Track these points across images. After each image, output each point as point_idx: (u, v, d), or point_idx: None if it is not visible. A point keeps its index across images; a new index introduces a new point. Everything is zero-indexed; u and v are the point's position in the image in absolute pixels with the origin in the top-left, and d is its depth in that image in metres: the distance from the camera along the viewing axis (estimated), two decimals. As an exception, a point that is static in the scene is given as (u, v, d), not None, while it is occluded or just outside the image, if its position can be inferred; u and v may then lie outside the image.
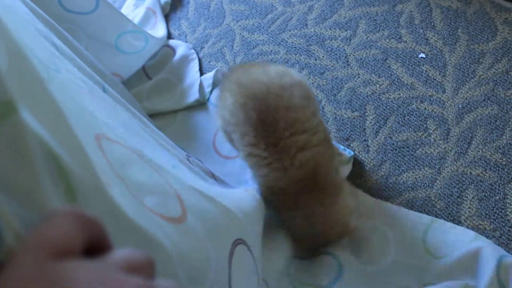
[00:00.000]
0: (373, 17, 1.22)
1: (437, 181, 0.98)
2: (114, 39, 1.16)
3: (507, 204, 0.92)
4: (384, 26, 1.20)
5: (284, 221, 0.91)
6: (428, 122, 1.04)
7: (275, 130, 0.81)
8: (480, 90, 1.05)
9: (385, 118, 1.07)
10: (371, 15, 1.23)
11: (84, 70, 0.76)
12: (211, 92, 1.22)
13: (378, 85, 1.12)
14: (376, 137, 1.05)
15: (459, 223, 0.93)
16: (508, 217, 0.91)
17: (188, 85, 1.23)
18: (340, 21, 1.25)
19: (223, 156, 1.12)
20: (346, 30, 1.23)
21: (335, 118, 1.10)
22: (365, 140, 1.06)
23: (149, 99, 1.22)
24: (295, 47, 1.24)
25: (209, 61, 1.30)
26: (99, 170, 0.42)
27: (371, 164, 1.03)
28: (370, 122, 1.07)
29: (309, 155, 0.83)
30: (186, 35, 1.38)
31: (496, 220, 0.92)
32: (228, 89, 0.88)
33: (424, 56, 1.13)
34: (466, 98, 1.05)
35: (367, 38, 1.20)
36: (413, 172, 1.00)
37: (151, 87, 1.24)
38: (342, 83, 1.15)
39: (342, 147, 1.05)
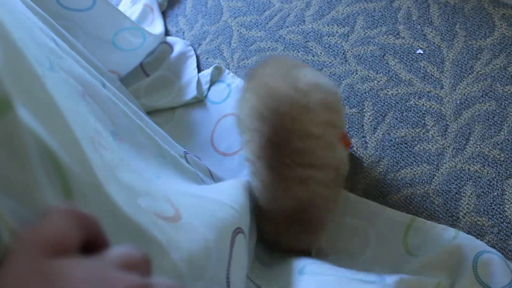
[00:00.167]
0: (371, 13, 1.22)
1: (435, 178, 0.98)
2: (112, 36, 1.16)
3: (505, 200, 0.93)
4: (382, 22, 1.20)
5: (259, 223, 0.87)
6: (426, 118, 1.04)
7: (280, 152, 0.75)
8: (478, 86, 1.05)
9: (383, 114, 1.07)
10: (368, 11, 1.23)
11: (85, 67, 0.76)
12: (208, 89, 1.22)
13: (376, 82, 1.12)
14: (374, 133, 1.05)
15: (457, 219, 0.93)
16: (506, 213, 0.91)
17: (186, 82, 1.23)
18: (337, 18, 1.25)
19: (221, 152, 1.12)
20: (343, 27, 1.23)
21: (333, 114, 1.10)
22: (363, 137, 1.06)
23: (147, 96, 1.22)
24: (293, 44, 1.24)
25: (207, 58, 1.30)
26: (96, 168, 0.41)
27: (369, 160, 1.03)
28: (368, 119, 1.07)
29: (307, 192, 0.77)
30: (183, 32, 1.38)
31: (494, 216, 0.92)
32: (253, 89, 0.82)
33: (422, 52, 1.13)
34: (464, 94, 1.05)
35: (364, 34, 1.20)
36: (411, 169, 1.00)
37: (148, 84, 1.24)
38: (340, 79, 1.15)
39: None
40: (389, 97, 1.09)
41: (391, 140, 1.03)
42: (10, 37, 0.38)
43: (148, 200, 0.51)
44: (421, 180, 0.98)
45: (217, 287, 0.56)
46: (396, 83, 1.10)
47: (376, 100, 1.09)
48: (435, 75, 1.09)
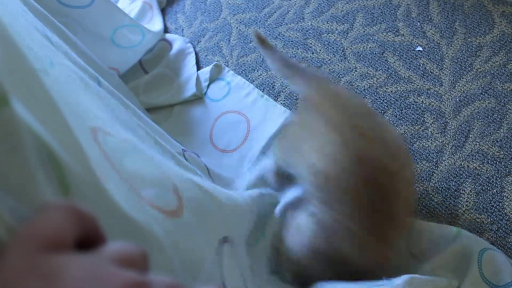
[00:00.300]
0: (370, 10, 1.22)
1: (435, 175, 0.98)
2: (111, 33, 1.16)
3: (505, 198, 0.92)
4: (381, 19, 1.20)
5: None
6: (425, 116, 1.04)
7: (388, 204, 0.69)
8: (478, 83, 1.05)
9: (382, 111, 1.07)
10: (368, 9, 1.22)
11: (79, 64, 0.76)
12: (208, 86, 1.22)
13: (375, 79, 1.12)
14: (374, 130, 1.05)
15: (456, 216, 0.93)
16: (505, 211, 0.91)
17: (185, 80, 1.23)
18: (337, 15, 1.24)
19: (220, 149, 1.12)
20: (343, 24, 1.22)
21: (332, 112, 1.10)
22: (362, 134, 1.05)
23: (146, 93, 1.22)
24: (292, 41, 1.24)
25: (206, 55, 1.29)
26: (94, 163, 0.41)
27: (368, 157, 1.03)
28: (367, 116, 1.07)
29: (387, 254, 0.74)
30: (182, 29, 1.37)
31: (494, 214, 0.92)
32: (332, 119, 0.73)
33: (421, 49, 1.13)
34: (464, 92, 1.05)
35: (364, 31, 1.20)
36: (410, 166, 1.00)
37: (147, 81, 1.24)
38: (339, 76, 1.15)
39: None
40: (389, 95, 1.09)
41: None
42: (8, 34, 0.38)
43: (154, 191, 0.50)
44: (420, 178, 0.98)
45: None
46: (395, 81, 1.10)
47: (376, 97, 1.09)
48: (434, 72, 1.09)
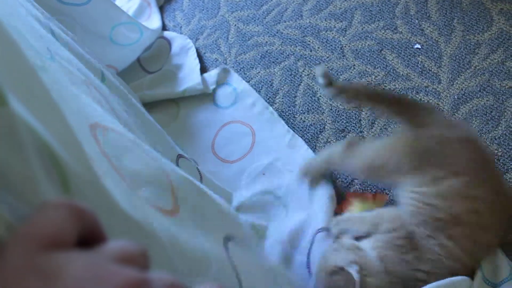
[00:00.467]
0: (369, 7, 1.22)
1: (433, 172, 0.98)
2: (109, 31, 1.16)
3: (503, 195, 0.93)
4: (380, 17, 1.20)
5: None
6: (423, 113, 1.04)
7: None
8: (476, 80, 1.05)
9: (380, 109, 1.07)
10: (366, 6, 1.22)
11: (82, 58, 0.76)
12: (215, 90, 1.20)
13: (373, 76, 1.12)
14: (372, 128, 1.05)
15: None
16: (503, 208, 0.91)
17: (188, 72, 1.23)
18: (335, 12, 1.24)
19: (220, 158, 1.11)
20: (341, 21, 1.22)
21: (331, 109, 1.10)
22: (360, 132, 1.06)
23: (150, 89, 1.22)
24: (290, 38, 1.24)
25: (204, 53, 1.29)
26: (93, 161, 0.41)
27: (367, 155, 1.03)
28: (366, 114, 1.07)
29: None
30: (181, 27, 1.37)
31: (492, 211, 0.92)
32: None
33: (419, 47, 1.13)
34: (462, 89, 1.05)
35: (362, 29, 1.20)
36: (408, 163, 1.00)
37: (151, 79, 1.24)
38: (337, 74, 1.15)
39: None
40: (387, 92, 1.09)
41: (388, 135, 1.03)
42: (5, 31, 0.38)
43: (151, 190, 0.50)
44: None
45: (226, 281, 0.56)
46: (393, 78, 1.10)
47: (374, 95, 1.09)
48: (432, 70, 1.09)
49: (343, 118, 1.08)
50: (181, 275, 0.47)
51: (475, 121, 1.00)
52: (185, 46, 1.30)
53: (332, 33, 1.21)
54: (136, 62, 1.28)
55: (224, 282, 0.55)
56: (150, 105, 1.19)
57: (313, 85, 1.14)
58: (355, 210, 0.94)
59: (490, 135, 0.98)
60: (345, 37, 1.20)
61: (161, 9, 1.43)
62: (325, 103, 1.11)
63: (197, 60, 1.26)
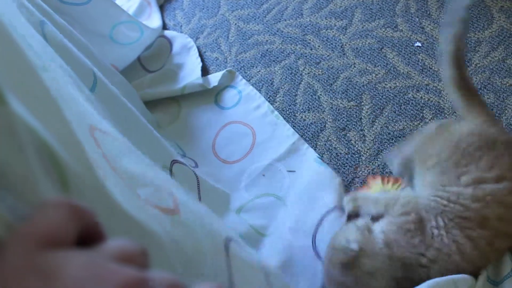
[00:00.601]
0: (369, 6, 1.22)
1: (434, 170, 0.98)
2: (109, 30, 1.16)
3: (503, 192, 0.92)
4: (380, 15, 1.20)
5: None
6: (424, 111, 1.04)
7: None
8: (477, 78, 1.05)
9: (381, 107, 1.07)
10: (366, 4, 1.22)
11: (75, 63, 0.76)
12: (219, 93, 1.20)
13: (374, 75, 1.12)
14: (373, 126, 1.05)
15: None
16: (504, 205, 0.91)
17: (189, 71, 1.23)
18: (335, 10, 1.24)
19: (221, 159, 1.10)
20: (341, 20, 1.22)
21: (331, 107, 1.10)
22: (361, 130, 1.05)
23: (151, 87, 1.22)
24: (290, 37, 1.24)
25: (205, 52, 1.29)
26: (93, 160, 0.41)
27: (367, 153, 1.03)
28: (367, 112, 1.07)
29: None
30: (181, 26, 1.37)
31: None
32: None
33: (420, 45, 1.13)
34: (462, 87, 1.05)
35: (362, 27, 1.19)
36: (409, 161, 1.00)
37: (152, 78, 1.24)
38: (338, 72, 1.14)
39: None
40: (387, 90, 1.09)
41: (389, 133, 1.03)
42: (7, 33, 0.38)
43: (149, 191, 0.50)
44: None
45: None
46: (394, 76, 1.10)
47: (374, 93, 1.09)
48: (433, 68, 1.09)
49: (343, 117, 1.08)
50: (181, 275, 0.47)
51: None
52: (186, 45, 1.30)
53: (333, 32, 1.21)
54: (137, 61, 1.28)
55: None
56: (151, 105, 1.19)
57: (313, 83, 1.14)
58: (373, 191, 0.96)
59: (491, 133, 0.98)
60: (346, 35, 1.20)
61: (161, 8, 1.43)
62: (326, 101, 1.11)
63: (199, 59, 1.26)
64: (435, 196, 0.80)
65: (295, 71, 1.18)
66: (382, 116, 1.06)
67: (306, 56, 1.19)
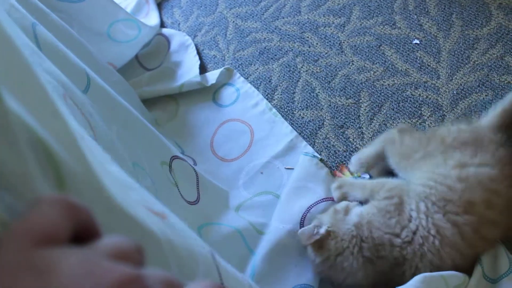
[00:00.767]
0: (367, 3, 1.22)
1: (432, 168, 0.98)
2: (106, 28, 1.15)
3: (502, 190, 0.92)
4: (378, 12, 1.20)
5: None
6: (422, 109, 1.04)
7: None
8: (475, 76, 1.05)
9: (379, 105, 1.07)
10: (364, 2, 1.22)
11: (67, 63, 0.75)
12: (217, 91, 1.20)
13: (372, 72, 1.12)
14: (371, 124, 1.05)
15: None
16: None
17: (187, 69, 1.23)
18: (333, 8, 1.24)
19: (219, 157, 1.10)
20: (339, 17, 1.22)
21: (330, 105, 1.10)
22: (359, 127, 1.05)
23: (149, 85, 1.22)
24: (288, 35, 1.24)
25: (202, 49, 1.29)
26: (89, 158, 0.41)
27: (365, 151, 1.03)
28: (365, 109, 1.07)
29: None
30: (179, 24, 1.37)
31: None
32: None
33: (418, 42, 1.13)
34: (461, 84, 1.05)
35: (361, 24, 1.19)
36: (407, 159, 1.00)
37: (150, 76, 1.23)
38: (336, 70, 1.14)
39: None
40: (386, 88, 1.09)
41: (387, 131, 1.03)
42: (2, 29, 0.38)
43: (138, 194, 0.50)
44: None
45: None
46: (392, 74, 1.10)
47: (373, 90, 1.09)
48: (431, 65, 1.09)
49: (342, 114, 1.08)
50: (176, 272, 0.47)
51: (474, 116, 1.00)
52: (184, 43, 1.30)
53: (331, 29, 1.21)
54: (135, 59, 1.28)
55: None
56: (149, 103, 1.18)
57: (311, 81, 1.14)
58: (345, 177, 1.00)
59: (489, 130, 0.98)
60: (344, 33, 1.19)
61: (159, 6, 1.42)
62: (324, 99, 1.11)
63: (197, 57, 1.26)
64: (423, 179, 0.83)
65: (293, 68, 1.18)
66: (381, 113, 1.06)
67: (304, 54, 1.19)
